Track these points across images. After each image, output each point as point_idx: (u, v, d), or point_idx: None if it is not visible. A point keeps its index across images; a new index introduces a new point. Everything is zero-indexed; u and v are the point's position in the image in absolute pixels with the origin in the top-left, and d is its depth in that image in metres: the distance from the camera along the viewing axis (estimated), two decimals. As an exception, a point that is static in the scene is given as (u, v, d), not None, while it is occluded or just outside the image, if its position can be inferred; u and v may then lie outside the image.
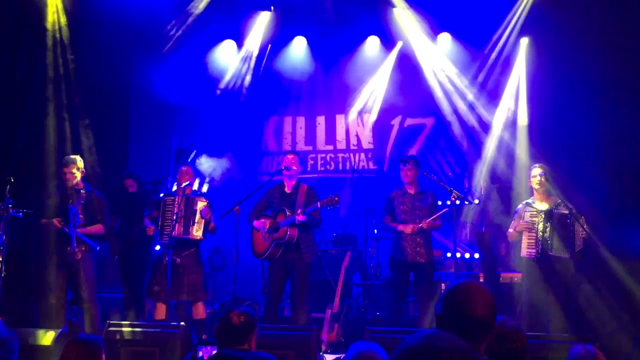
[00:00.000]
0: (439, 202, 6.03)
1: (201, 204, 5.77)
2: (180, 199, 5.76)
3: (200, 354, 2.58)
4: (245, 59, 8.78)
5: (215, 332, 2.94)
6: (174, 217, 5.66)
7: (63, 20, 7.05)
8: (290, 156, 5.81)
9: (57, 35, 7.00)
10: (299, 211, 5.41)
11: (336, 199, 5.28)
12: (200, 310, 5.78)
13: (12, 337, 2.52)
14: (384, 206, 5.95)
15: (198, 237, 5.77)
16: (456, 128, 8.30)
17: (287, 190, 5.74)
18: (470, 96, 8.09)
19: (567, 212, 5.39)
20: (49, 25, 6.92)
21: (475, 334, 1.85)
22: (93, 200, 5.75)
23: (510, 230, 5.76)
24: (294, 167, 5.72)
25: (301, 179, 5.88)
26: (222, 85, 8.77)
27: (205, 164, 6.40)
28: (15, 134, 6.55)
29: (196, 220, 5.73)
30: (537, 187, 5.63)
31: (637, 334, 5.22)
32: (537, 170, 5.65)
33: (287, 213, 5.49)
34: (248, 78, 8.82)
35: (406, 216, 5.74)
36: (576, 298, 5.34)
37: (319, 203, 5.36)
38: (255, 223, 5.69)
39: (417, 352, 1.40)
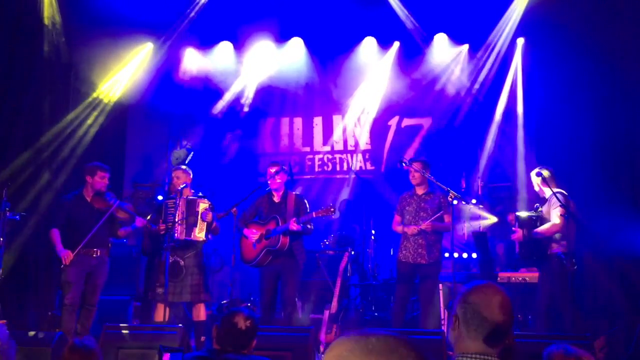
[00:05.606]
0: (455, 202, 5.85)
1: (203, 206, 5.77)
2: (182, 201, 5.74)
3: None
4: (242, 61, 8.77)
5: (216, 335, 2.89)
6: (176, 219, 5.63)
7: (59, 23, 7.06)
8: (272, 169, 5.78)
9: (54, 38, 7.00)
10: (293, 220, 5.45)
11: (332, 209, 5.33)
12: (201, 312, 5.79)
13: (11, 344, 2.49)
14: (395, 207, 6.01)
15: (201, 239, 5.77)
16: (453, 128, 8.31)
17: (276, 199, 5.79)
18: (467, 96, 8.09)
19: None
20: (46, 27, 6.93)
21: (493, 338, 1.84)
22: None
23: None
24: (278, 180, 5.72)
25: (289, 187, 5.95)
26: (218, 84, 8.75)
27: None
28: (12, 137, 6.53)
29: (198, 222, 5.73)
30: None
31: (634, 334, 5.22)
32: (533, 178, 5.63)
33: (280, 222, 5.54)
34: (245, 80, 8.82)
35: (411, 217, 5.79)
36: (573, 297, 5.34)
37: (314, 213, 5.42)
38: (246, 231, 5.71)
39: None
